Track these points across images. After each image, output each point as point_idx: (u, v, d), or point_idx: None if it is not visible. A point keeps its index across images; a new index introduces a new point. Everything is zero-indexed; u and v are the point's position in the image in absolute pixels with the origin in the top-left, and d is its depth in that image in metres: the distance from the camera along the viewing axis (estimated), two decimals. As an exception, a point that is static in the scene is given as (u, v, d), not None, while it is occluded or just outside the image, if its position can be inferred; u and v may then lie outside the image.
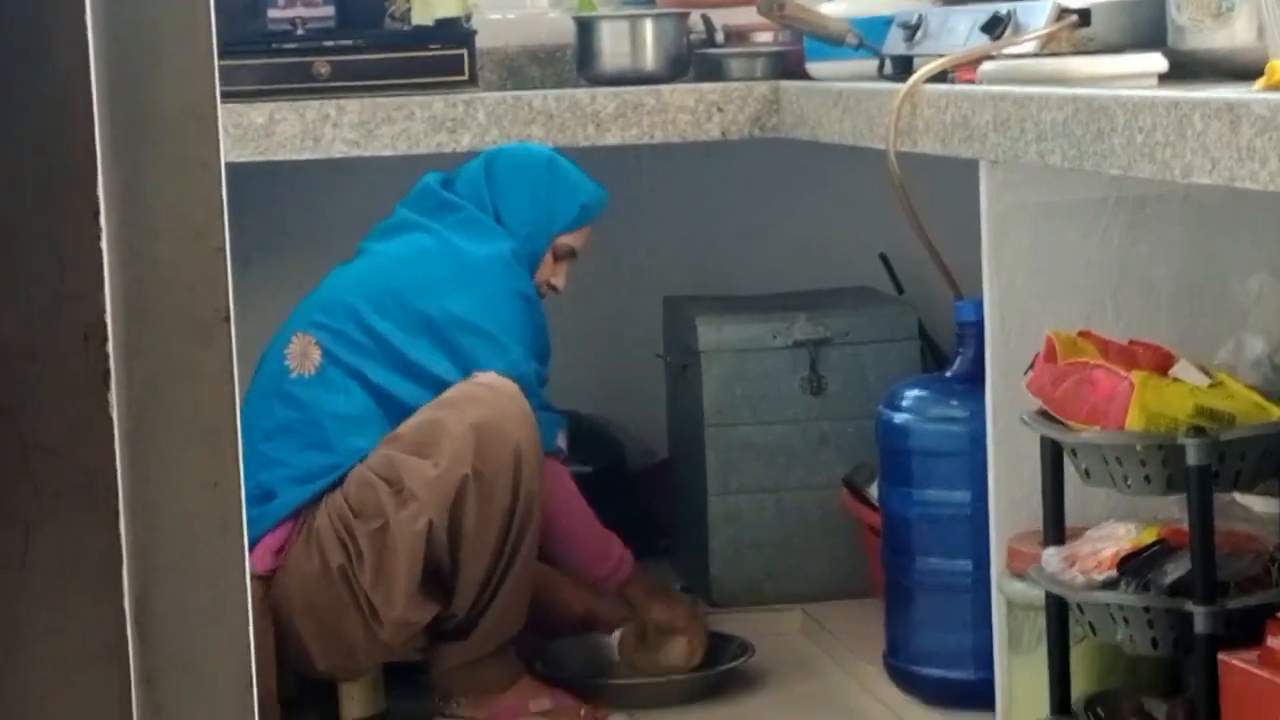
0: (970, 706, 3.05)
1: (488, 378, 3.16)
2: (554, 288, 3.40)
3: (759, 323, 3.71)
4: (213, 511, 1.15)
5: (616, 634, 3.43)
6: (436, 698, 3.27)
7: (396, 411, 3.19)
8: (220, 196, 1.14)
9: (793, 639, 3.64)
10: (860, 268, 4.04)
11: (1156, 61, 2.77)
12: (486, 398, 3.12)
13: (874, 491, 3.50)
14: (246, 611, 1.17)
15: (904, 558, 3.16)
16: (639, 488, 4.07)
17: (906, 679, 3.17)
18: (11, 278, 1.09)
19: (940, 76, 3.02)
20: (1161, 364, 2.62)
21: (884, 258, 4.01)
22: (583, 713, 3.22)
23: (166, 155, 1.13)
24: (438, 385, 3.20)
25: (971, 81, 2.96)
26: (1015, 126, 2.64)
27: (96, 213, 1.09)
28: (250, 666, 1.18)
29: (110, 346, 1.10)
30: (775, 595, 3.71)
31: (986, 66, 2.88)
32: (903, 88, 3.00)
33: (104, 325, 1.10)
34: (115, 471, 1.11)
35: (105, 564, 1.11)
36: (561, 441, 3.33)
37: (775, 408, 3.69)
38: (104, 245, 1.09)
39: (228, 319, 1.15)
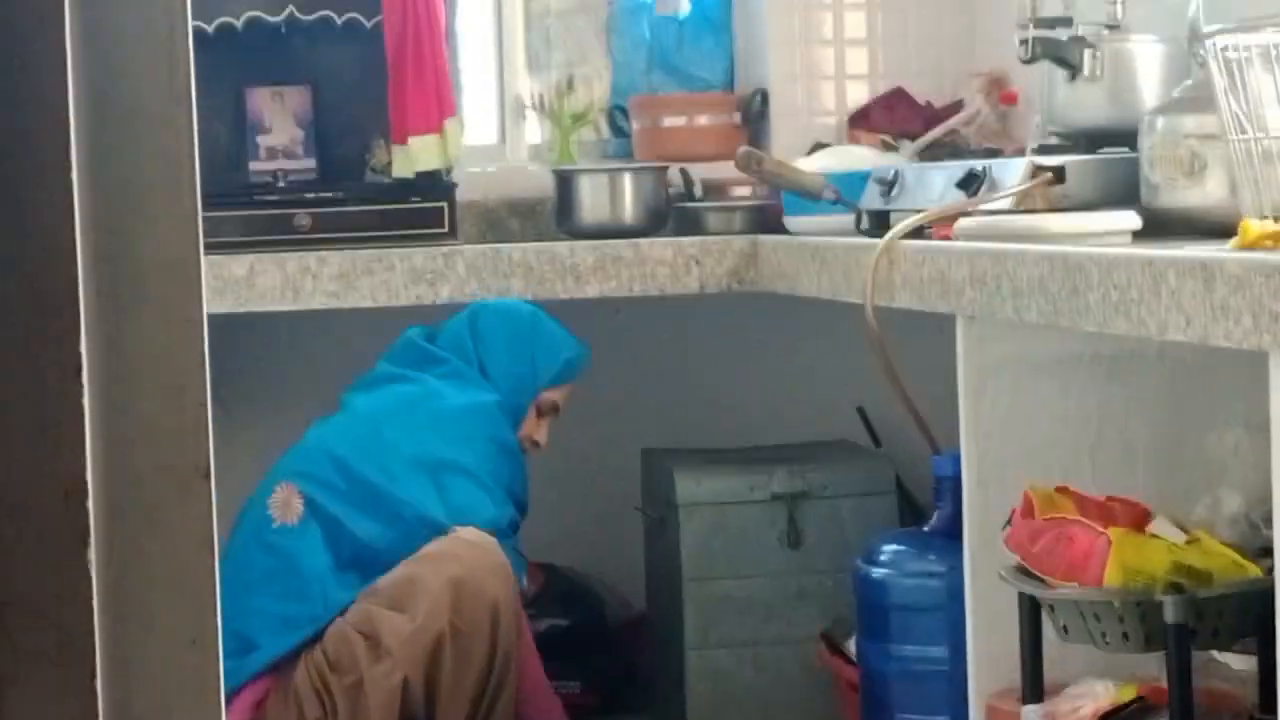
0: None
1: (467, 532, 3.16)
2: (536, 444, 3.41)
3: (737, 476, 3.71)
4: (191, 670, 1.15)
5: None
6: None
7: (377, 562, 3.18)
8: (203, 351, 1.15)
9: (771, 796, 3.62)
10: (838, 421, 4.05)
11: (1130, 219, 2.79)
12: (464, 553, 3.12)
13: (852, 646, 3.49)
14: (223, 771, 1.16)
15: (883, 714, 3.14)
16: (618, 641, 4.05)
17: (886, 837, 3.15)
18: (-7, 434, 1.09)
19: (917, 232, 3.05)
20: (1139, 520, 2.62)
21: (861, 411, 4.02)
22: None
23: (150, 309, 1.14)
24: (422, 527, 3.18)
25: (947, 238, 2.98)
26: (991, 282, 2.66)
27: (79, 369, 1.09)
28: (225, 827, 1.17)
29: (90, 504, 1.10)
30: (754, 751, 3.68)
31: (962, 223, 2.91)
32: (880, 243, 3.02)
33: (84, 483, 1.10)
34: (93, 630, 1.10)
35: (80, 722, 1.10)
36: (523, 582, 3.31)
37: (753, 561, 3.69)
38: (85, 402, 1.09)
39: (208, 475, 1.15)
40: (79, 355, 1.09)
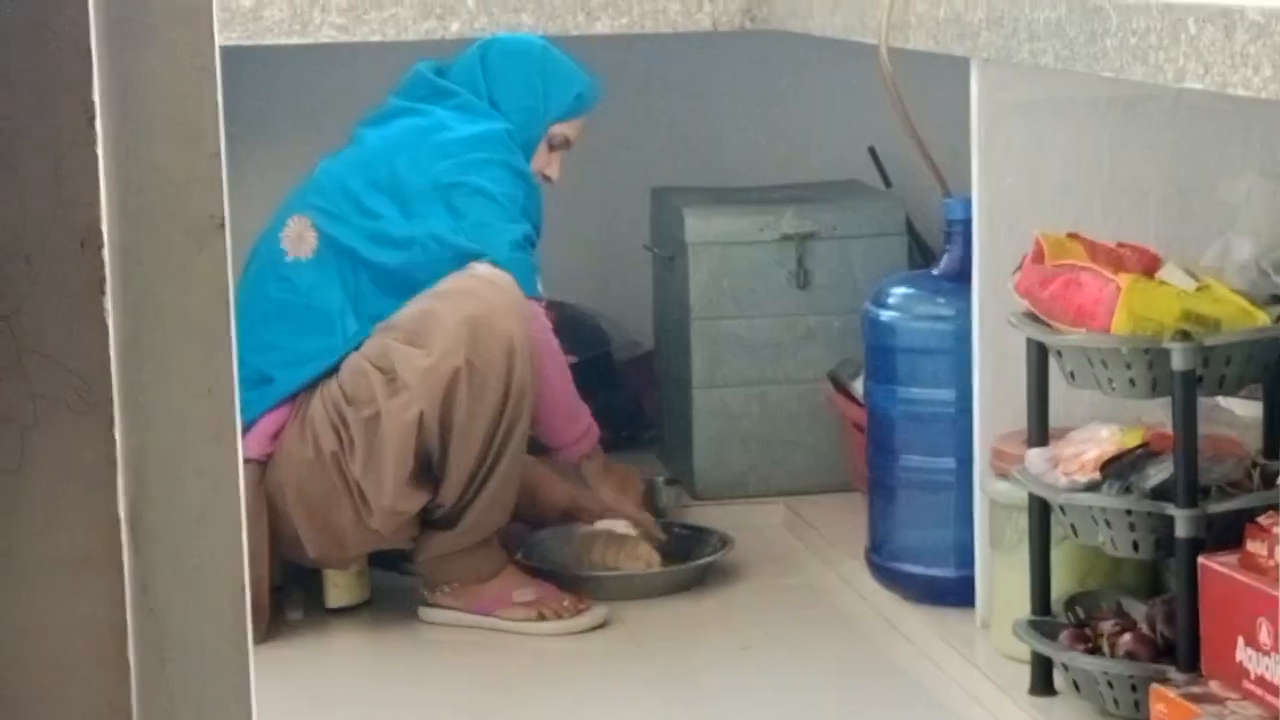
0: (950, 603, 3.07)
1: (483, 269, 3.16)
2: (548, 178, 3.39)
3: (746, 215, 3.71)
4: (207, 417, 1.16)
5: (597, 526, 3.45)
6: (420, 587, 3.29)
7: (394, 286, 3.18)
8: (217, 99, 1.14)
9: (775, 532, 3.66)
10: (848, 161, 4.03)
11: (1152, -39, 2.74)
12: (481, 290, 3.12)
13: (858, 387, 3.51)
14: (240, 517, 1.18)
15: (887, 455, 3.17)
16: (625, 378, 4.08)
17: (888, 575, 3.19)
18: (7, 183, 1.08)
19: (933, -28, 3.00)
20: (1149, 267, 2.62)
21: (872, 151, 4.00)
22: (566, 603, 3.24)
23: (162, 57, 1.12)
24: (439, 249, 3.18)
25: (964, -22, 2.94)
26: (1008, 25, 2.63)
27: (93, 117, 1.08)
28: (244, 571, 1.18)
29: (106, 252, 1.10)
30: (758, 488, 3.72)
31: (981, -36, 2.86)
32: (896, -17, 2.98)
33: (100, 231, 1.09)
34: (110, 377, 1.11)
35: (100, 468, 1.11)
36: (541, 288, 3.30)
37: (761, 301, 3.69)
38: (100, 150, 1.09)
39: (223, 225, 1.15)
40: (93, 103, 1.08)
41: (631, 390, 4.08)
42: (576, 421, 3.33)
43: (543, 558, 3.40)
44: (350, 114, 3.49)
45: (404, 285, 3.18)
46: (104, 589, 1.12)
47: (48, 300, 1.09)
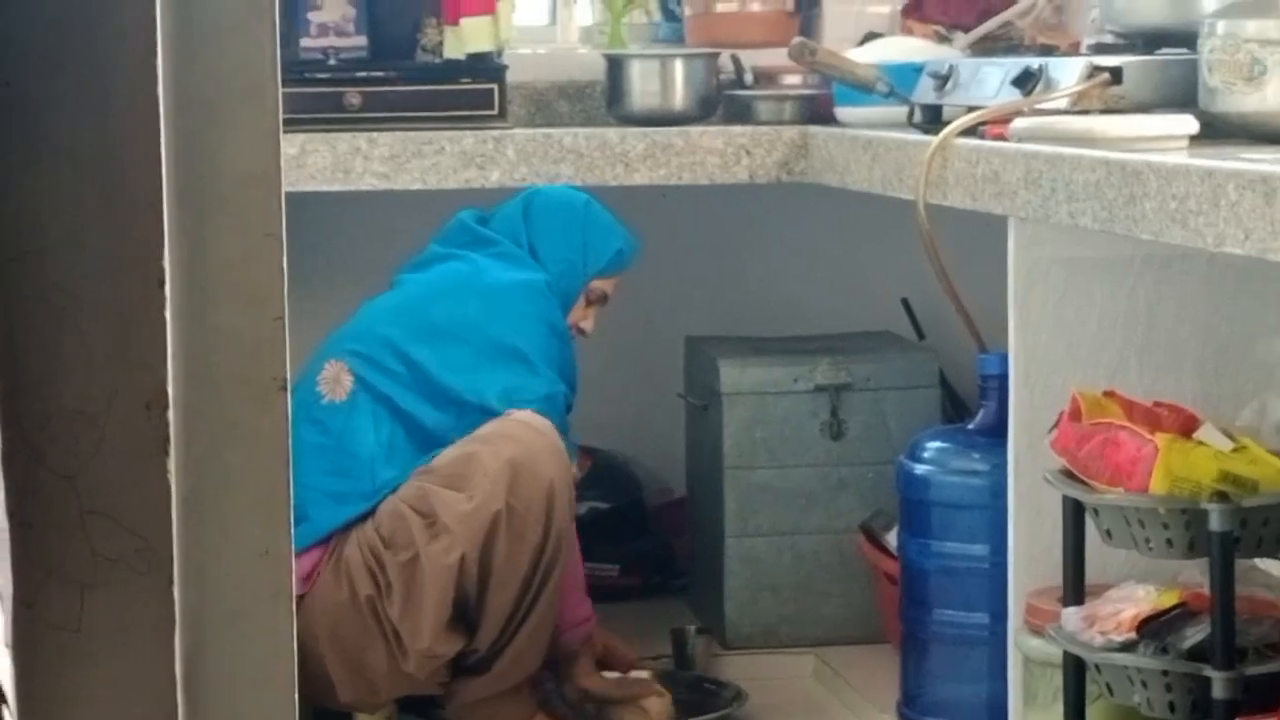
0: (983, 759, 3.05)
1: (523, 415, 3.18)
2: (583, 331, 3.42)
3: (781, 366, 3.72)
4: (264, 578, 1.17)
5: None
6: (448, 733, 3.28)
7: (426, 441, 3.20)
8: (282, 265, 1.16)
9: (805, 683, 3.65)
10: (881, 312, 4.05)
11: (1188, 123, 2.77)
12: (522, 434, 3.14)
13: (891, 539, 3.51)
14: (293, 678, 1.18)
15: (921, 608, 3.17)
16: (656, 524, 4.08)
17: (920, 729, 3.18)
18: (76, 345, 1.10)
19: (970, 130, 3.04)
20: (1186, 427, 2.63)
21: (905, 303, 4.02)
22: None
23: (231, 222, 1.14)
24: (469, 411, 3.20)
25: (1001, 136, 2.97)
26: (1046, 185, 2.65)
27: (162, 282, 1.10)
28: (296, 730, 1.19)
29: (171, 414, 1.11)
30: (789, 639, 3.71)
31: (1018, 123, 2.89)
32: (934, 140, 3.01)
33: (165, 394, 1.11)
34: (171, 538, 1.12)
35: (158, 628, 1.12)
36: (574, 469, 3.33)
37: (795, 451, 3.70)
38: (168, 313, 1.10)
39: (284, 388, 1.16)
40: (162, 267, 1.10)
41: (663, 537, 4.08)
42: (582, 606, 3.34)
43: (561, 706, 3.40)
44: (391, 260, 3.52)
45: (439, 437, 3.20)
46: (159, 749, 1.12)
47: (111, 461, 1.11)
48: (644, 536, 4.03)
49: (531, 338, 3.27)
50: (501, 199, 3.56)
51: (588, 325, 3.44)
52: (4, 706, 1.02)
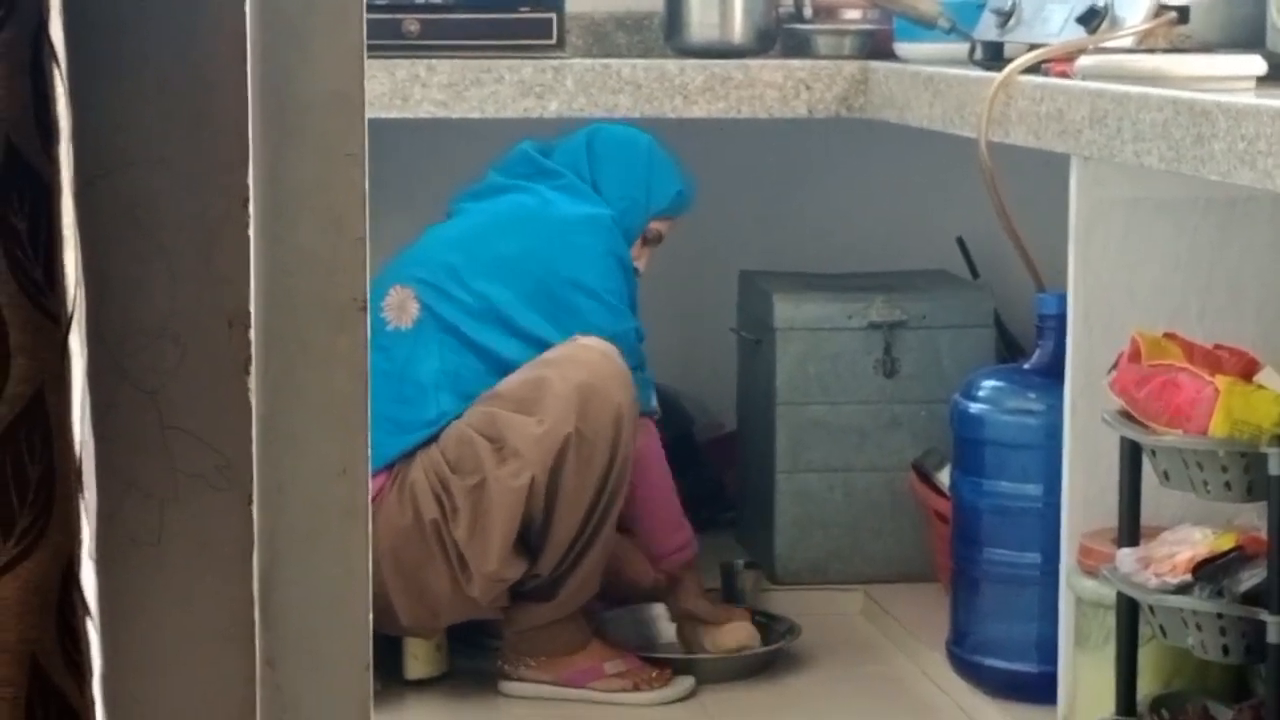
0: (1032, 699, 3.05)
1: (590, 340, 3.19)
2: (637, 271, 3.42)
3: (835, 302, 3.71)
4: (340, 497, 1.17)
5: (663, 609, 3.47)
6: (500, 660, 3.29)
7: (492, 367, 3.21)
8: (364, 186, 1.16)
9: (853, 620, 3.65)
10: (935, 250, 4.03)
11: (1255, 64, 2.75)
12: (589, 359, 3.15)
13: (943, 477, 3.51)
14: (368, 596, 1.19)
15: (972, 547, 3.16)
16: (706, 458, 4.08)
17: (969, 668, 3.18)
18: (159, 262, 1.10)
19: (1033, 67, 3.02)
20: (1246, 370, 2.62)
21: (960, 241, 4.00)
22: (654, 674, 3.26)
23: (312, 143, 1.14)
24: (537, 343, 3.21)
25: (1064, 74, 2.95)
26: (1112, 124, 2.63)
27: (246, 200, 1.10)
28: (369, 651, 1.19)
29: (252, 333, 1.11)
30: (838, 575, 3.72)
31: (1084, 61, 2.87)
32: (997, 77, 2.99)
33: (248, 312, 1.11)
34: (250, 455, 1.12)
35: (236, 545, 1.13)
36: (654, 403, 3.35)
37: (847, 388, 3.70)
38: (251, 233, 1.11)
39: (364, 308, 1.17)
40: (246, 185, 1.10)
41: (712, 470, 4.08)
42: (679, 532, 3.35)
43: (613, 634, 3.41)
44: (448, 187, 3.52)
45: (504, 368, 3.20)
46: (235, 665, 1.13)
47: (193, 378, 1.11)
48: (693, 470, 4.03)
49: (603, 273, 3.28)
50: (559, 129, 3.56)
51: (643, 265, 3.44)
52: (88, 618, 1.03)
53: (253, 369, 1.12)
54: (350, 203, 1.15)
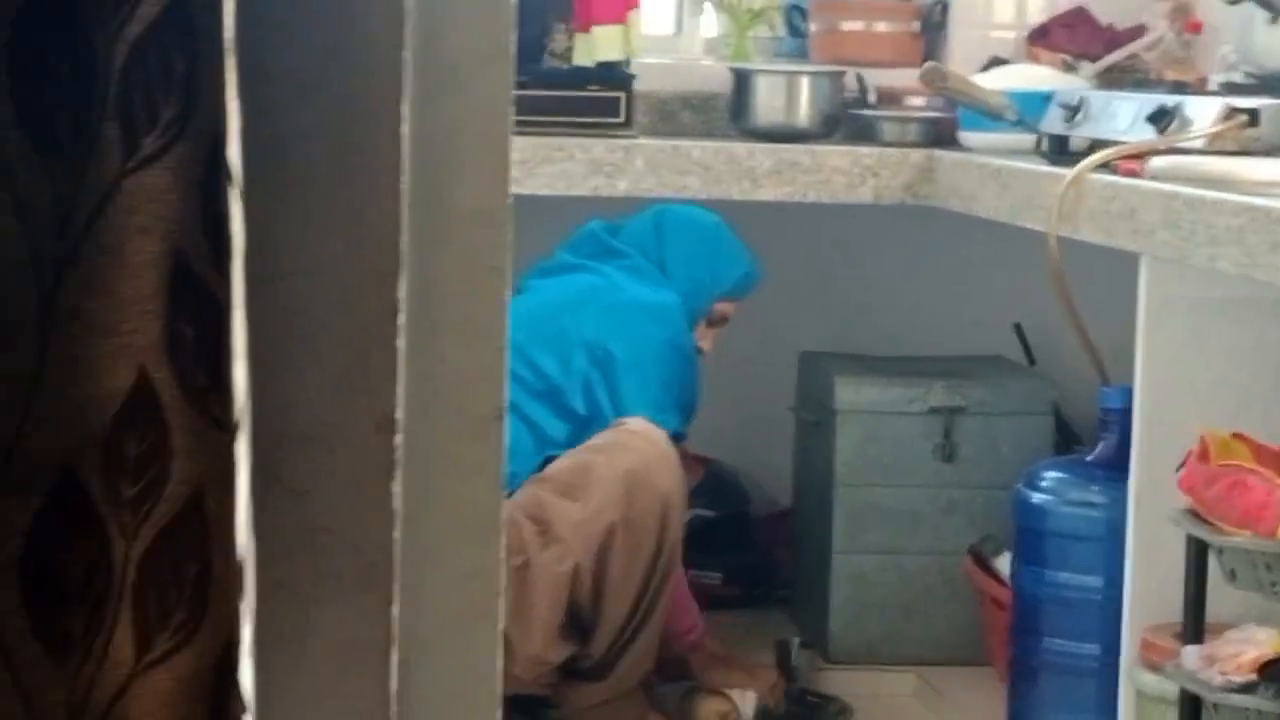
0: (1088, 789, 3.08)
1: (637, 424, 3.22)
2: (700, 351, 3.46)
3: (896, 386, 3.75)
4: (473, 601, 1.20)
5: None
6: (560, 735, 3.33)
7: (541, 445, 3.24)
8: (506, 298, 1.20)
9: (906, 701, 3.68)
10: (991, 338, 4.06)
11: (1326, 169, 2.79)
12: (637, 445, 3.18)
13: (999, 564, 3.53)
14: (497, 698, 1.22)
15: (1032, 636, 3.19)
16: (759, 535, 4.11)
17: (1025, 756, 3.20)
18: (314, 370, 1.14)
19: (1101, 164, 3.05)
20: (1314, 472, 2.65)
21: (1018, 327, 4.04)
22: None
23: (459, 257, 1.18)
24: (584, 424, 3.25)
25: (1133, 173, 2.98)
26: (1185, 227, 2.67)
27: (396, 310, 1.14)
28: (495, 750, 1.23)
29: (398, 439, 1.15)
30: (891, 656, 3.74)
31: (1156, 161, 2.91)
32: (1069, 174, 3.03)
33: (394, 420, 1.15)
34: (393, 558, 1.16)
35: (376, 645, 1.16)
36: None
37: (906, 471, 3.73)
38: (400, 342, 1.14)
39: (501, 417, 1.20)
40: (397, 298, 1.14)
41: (767, 548, 4.11)
42: (687, 616, 3.38)
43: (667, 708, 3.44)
44: (516, 264, 3.56)
45: (552, 448, 3.23)
46: (372, 763, 1.16)
47: (341, 482, 1.15)
48: (748, 547, 4.06)
49: (656, 364, 3.30)
50: (627, 208, 3.60)
51: (707, 345, 3.48)
52: (245, 716, 1.07)
53: (398, 474, 1.15)
54: (494, 315, 1.19)
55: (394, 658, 1.17)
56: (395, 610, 1.16)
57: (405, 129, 1.12)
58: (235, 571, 1.07)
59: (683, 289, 3.41)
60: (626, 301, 3.34)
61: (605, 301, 3.34)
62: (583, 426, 3.25)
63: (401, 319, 1.14)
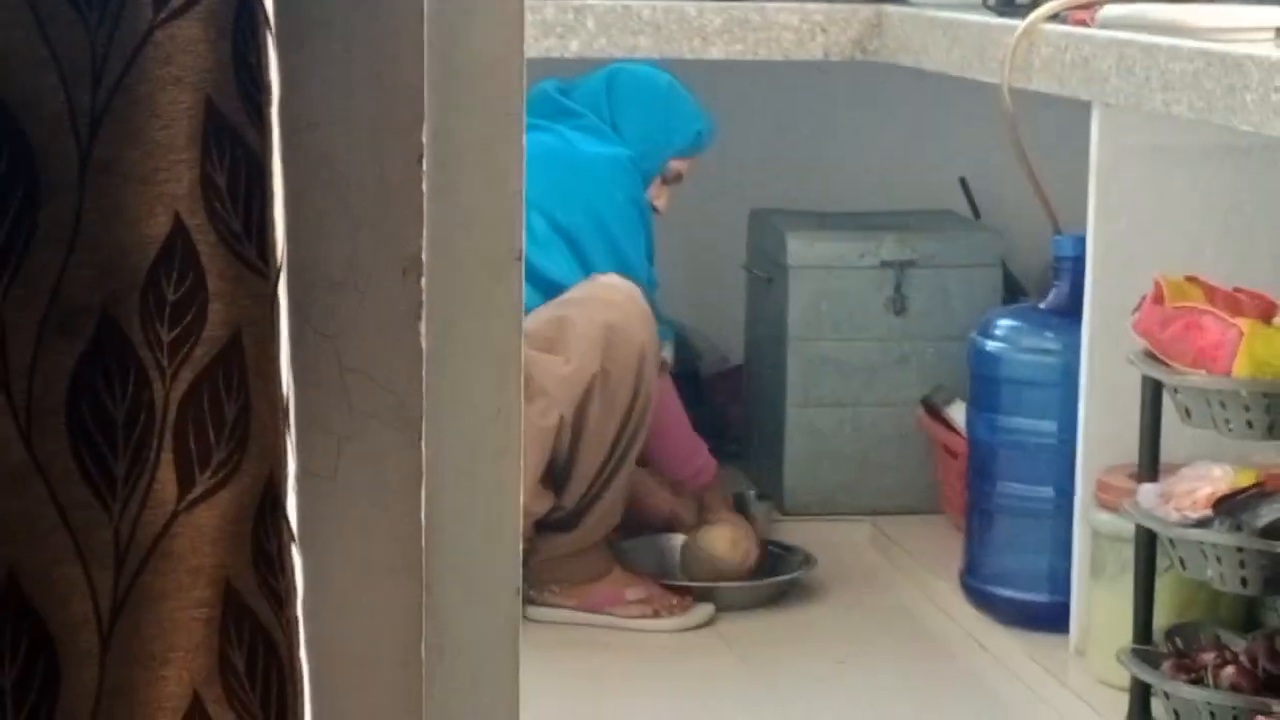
0: (1044, 628, 3.15)
1: (611, 279, 3.27)
2: (656, 209, 3.49)
3: (847, 241, 3.79)
4: (496, 437, 1.25)
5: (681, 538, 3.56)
6: (526, 586, 3.37)
7: None
8: (521, 144, 1.23)
9: (862, 550, 3.75)
10: (940, 191, 4.11)
11: (1274, 14, 2.83)
12: (614, 299, 3.22)
13: (951, 412, 3.60)
14: (518, 526, 1.27)
15: (987, 481, 3.26)
16: (712, 391, 4.16)
17: (982, 598, 3.28)
18: (342, 216, 1.18)
19: (1051, 15, 3.09)
20: (1266, 312, 2.71)
21: (963, 181, 4.08)
22: (675, 601, 3.35)
23: (476, 102, 1.22)
24: (553, 289, 3.28)
25: (1083, 23, 3.02)
26: (1140, 73, 2.71)
27: (420, 158, 1.18)
28: (518, 577, 1.27)
29: (424, 281, 1.19)
30: (846, 507, 3.81)
31: (1108, 10, 2.95)
32: (1021, 24, 3.07)
33: (420, 262, 1.19)
34: (421, 397, 1.20)
35: (407, 480, 1.21)
36: (666, 351, 3.43)
37: (858, 325, 3.78)
38: (424, 188, 1.18)
39: (519, 258, 1.24)
40: (421, 143, 1.18)
41: (718, 403, 4.16)
42: (698, 455, 3.45)
43: (632, 563, 3.50)
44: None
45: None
46: (405, 594, 1.21)
47: (370, 324, 1.19)
48: (699, 402, 4.11)
49: (621, 220, 3.35)
50: (579, 69, 3.62)
51: (662, 204, 3.52)
52: (292, 543, 1.11)
53: (424, 314, 1.19)
54: (510, 159, 1.22)
55: (423, 491, 1.21)
56: (423, 446, 1.20)
57: (425, -21, 1.15)
58: (277, 410, 1.11)
59: (637, 148, 3.44)
60: (582, 157, 3.36)
61: (562, 160, 3.36)
62: (545, 287, 3.29)
63: (426, 166, 1.18)
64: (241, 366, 1.13)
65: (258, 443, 1.13)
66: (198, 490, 1.14)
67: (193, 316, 1.13)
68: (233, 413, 1.13)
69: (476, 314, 1.23)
